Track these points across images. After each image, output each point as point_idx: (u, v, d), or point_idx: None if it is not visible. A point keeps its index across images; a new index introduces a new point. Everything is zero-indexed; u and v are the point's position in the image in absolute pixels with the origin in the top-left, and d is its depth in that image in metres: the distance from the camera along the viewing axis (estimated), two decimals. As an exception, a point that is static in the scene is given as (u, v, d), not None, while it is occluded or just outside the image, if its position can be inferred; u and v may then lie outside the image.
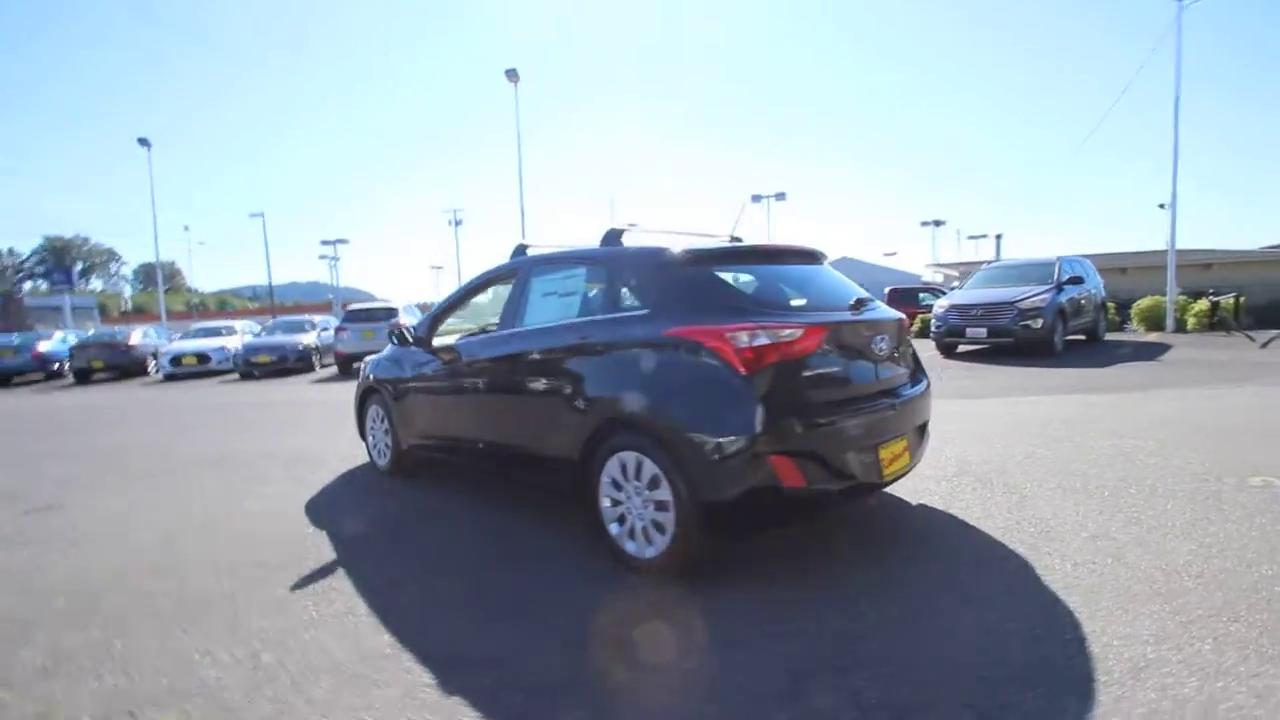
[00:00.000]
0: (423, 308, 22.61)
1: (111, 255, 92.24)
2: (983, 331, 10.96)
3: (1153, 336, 14.23)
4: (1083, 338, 12.43)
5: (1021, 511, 3.40)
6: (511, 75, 24.25)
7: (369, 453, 5.06)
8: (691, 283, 2.93)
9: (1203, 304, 14.74)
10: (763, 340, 2.63)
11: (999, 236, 40.36)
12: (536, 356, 3.38)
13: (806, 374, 2.71)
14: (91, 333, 20.93)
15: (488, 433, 3.78)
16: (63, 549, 3.59)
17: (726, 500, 2.59)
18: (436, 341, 4.38)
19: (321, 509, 4.11)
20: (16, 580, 3.17)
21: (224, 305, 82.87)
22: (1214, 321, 14.33)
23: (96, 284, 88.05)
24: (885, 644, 2.21)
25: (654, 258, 3.08)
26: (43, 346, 17.50)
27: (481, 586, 2.87)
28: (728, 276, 3.05)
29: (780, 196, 36.42)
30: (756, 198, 35.98)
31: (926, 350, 10.62)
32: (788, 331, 2.68)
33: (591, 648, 2.32)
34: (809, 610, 2.46)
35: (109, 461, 5.97)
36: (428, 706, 2.00)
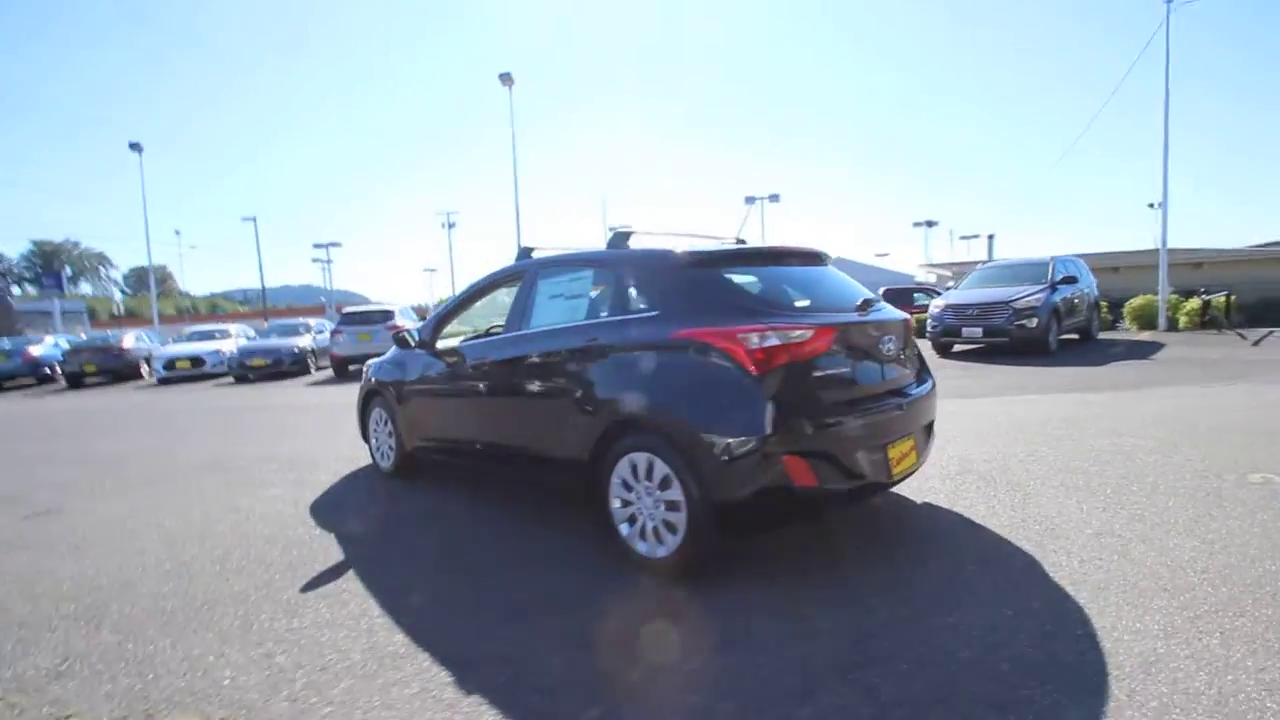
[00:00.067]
0: (418, 310, 22.57)
1: (101, 260, 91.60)
2: (978, 331, 11.03)
3: (1145, 335, 14.35)
4: (1076, 337, 12.53)
5: (1026, 509, 3.44)
6: (506, 79, 24.25)
7: (372, 455, 5.05)
8: (701, 284, 2.95)
9: (1194, 303, 14.88)
10: (773, 341, 2.65)
11: (991, 237, 40.62)
12: (545, 358, 3.39)
13: (817, 374, 2.74)
14: (84, 337, 20.77)
15: (495, 434, 3.78)
16: (66, 553, 3.57)
17: (739, 500, 2.60)
18: (441, 344, 4.38)
19: (325, 511, 4.11)
20: (22, 584, 3.15)
21: (215, 309, 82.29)
22: (1205, 320, 14.46)
23: (86, 288, 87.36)
24: (898, 641, 2.23)
25: (663, 260, 3.10)
26: (34, 351, 17.37)
27: (491, 588, 2.88)
28: (736, 278, 3.07)
29: (774, 198, 36.54)
30: (750, 199, 36.08)
31: (922, 350, 10.66)
32: (798, 333, 2.70)
33: (605, 647, 2.33)
34: (821, 609, 2.48)
35: (106, 466, 5.93)
36: (447, 705, 2.01)
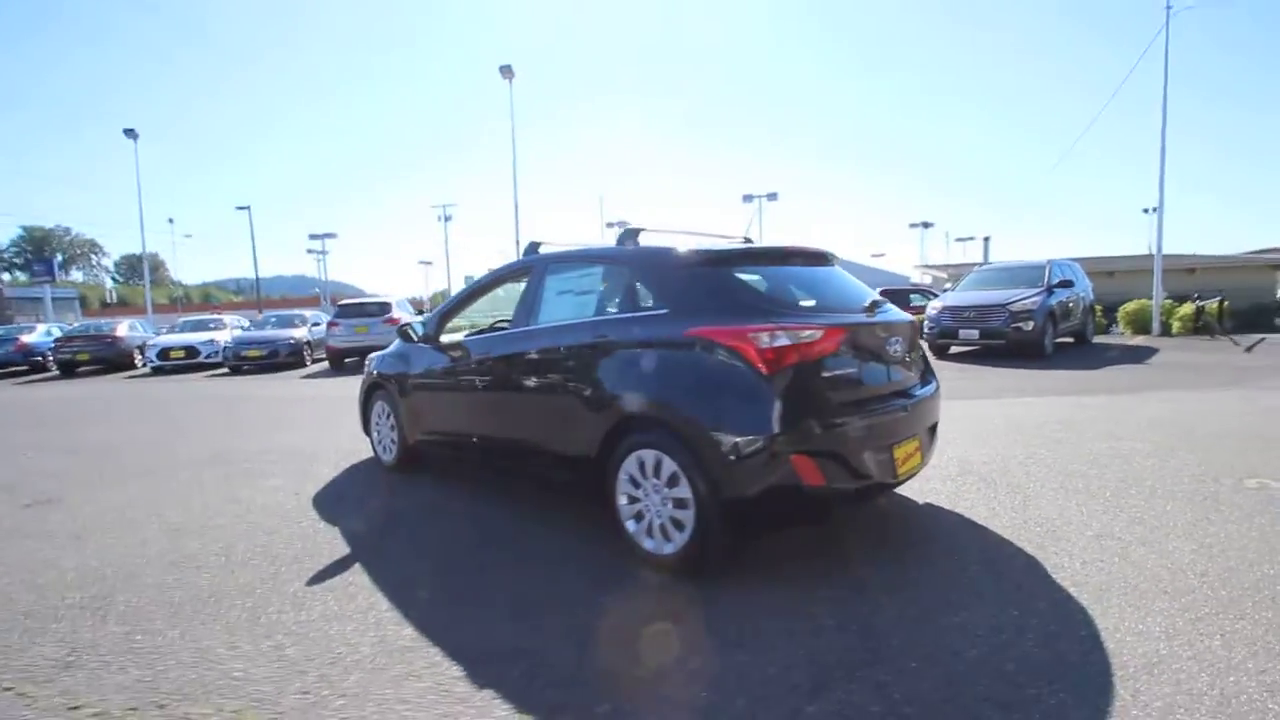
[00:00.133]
0: (414, 303, 22.50)
1: (93, 247, 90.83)
2: (975, 333, 11.10)
3: (1139, 340, 14.47)
4: (1071, 340, 12.61)
5: (1026, 511, 3.47)
6: (506, 71, 24.15)
7: (374, 448, 5.05)
8: (711, 283, 2.96)
9: (1188, 308, 15.01)
10: (783, 341, 2.66)
11: (987, 239, 40.71)
12: (553, 354, 3.39)
13: (825, 374, 2.76)
14: (76, 325, 20.63)
15: (500, 429, 3.79)
16: (67, 543, 3.56)
17: (747, 498, 2.62)
18: (445, 338, 4.39)
19: (328, 504, 4.10)
20: (25, 574, 3.14)
21: (208, 298, 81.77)
22: (1199, 325, 14.59)
23: (77, 276, 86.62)
24: (906, 640, 2.26)
25: (673, 258, 3.11)
26: (27, 339, 17.22)
27: (497, 582, 2.89)
28: (746, 277, 3.08)
29: (772, 197, 36.56)
30: (748, 198, 36.09)
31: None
32: (808, 332, 2.72)
33: (614, 644, 2.35)
34: (828, 607, 2.51)
35: (103, 455, 5.91)
36: (460, 699, 2.02)
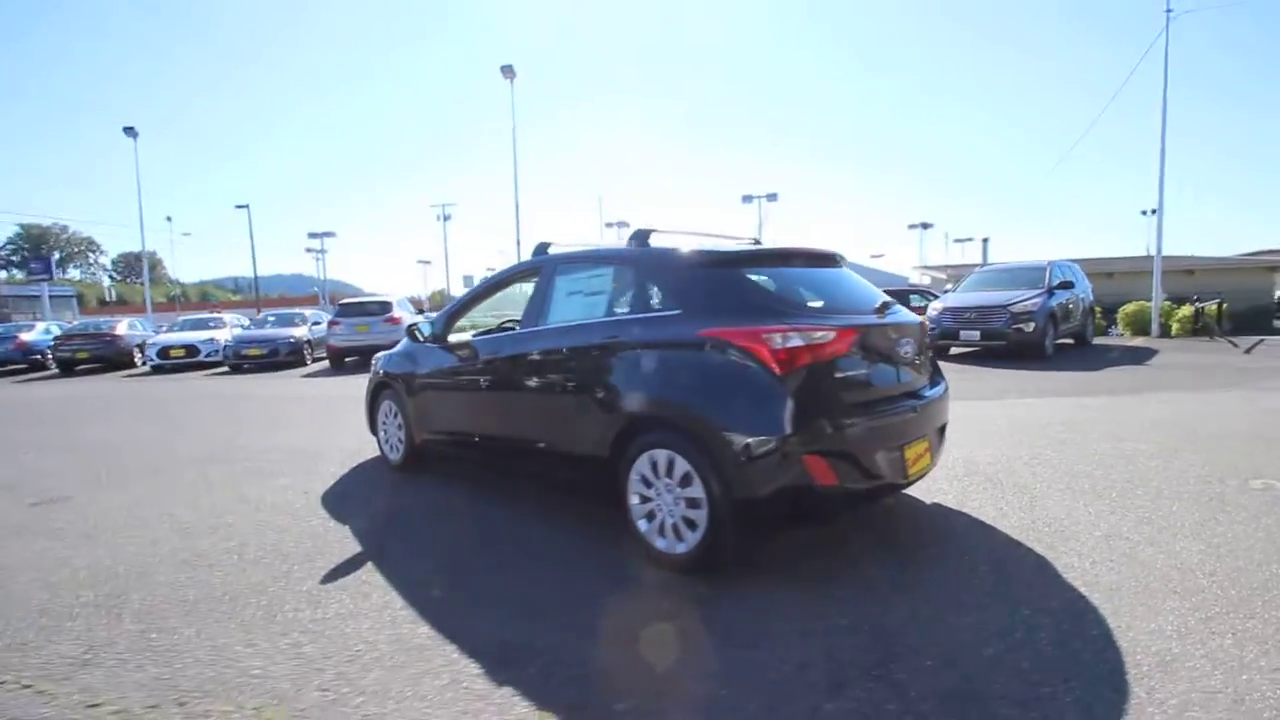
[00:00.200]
0: (414, 302, 22.50)
1: (90, 245, 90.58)
2: (976, 334, 11.13)
3: (1139, 341, 14.51)
4: (1071, 341, 12.64)
5: (1034, 512, 3.49)
6: (507, 71, 24.12)
7: (380, 447, 5.05)
8: (724, 284, 2.98)
9: (1187, 310, 15.06)
10: (796, 342, 2.68)
11: (985, 240, 40.80)
12: (564, 354, 3.41)
13: (838, 375, 2.78)
14: (76, 323, 20.58)
15: (510, 429, 3.80)
16: (78, 542, 3.57)
17: (760, 498, 2.64)
18: (453, 338, 4.40)
19: (336, 503, 4.11)
20: (37, 573, 3.14)
21: (206, 297, 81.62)
22: (1198, 327, 14.64)
23: (74, 274, 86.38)
24: (921, 639, 2.27)
25: (686, 259, 3.13)
26: (26, 337, 17.19)
27: (511, 581, 2.90)
28: (758, 278, 3.10)
29: (772, 197, 36.61)
30: (748, 198, 36.13)
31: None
32: (820, 334, 2.73)
33: (629, 642, 2.36)
34: (841, 606, 2.52)
35: (108, 454, 5.90)
36: (479, 696, 2.03)
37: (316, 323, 16.19)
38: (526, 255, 4.13)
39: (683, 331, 2.92)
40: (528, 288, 3.94)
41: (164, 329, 18.29)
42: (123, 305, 51.49)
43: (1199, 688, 1.95)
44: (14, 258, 78.92)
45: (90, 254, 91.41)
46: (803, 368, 2.68)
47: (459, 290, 46.50)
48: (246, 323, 18.45)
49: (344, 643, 2.38)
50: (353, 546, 3.35)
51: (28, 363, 16.93)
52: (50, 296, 40.01)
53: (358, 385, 10.55)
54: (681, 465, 2.79)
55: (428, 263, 67.60)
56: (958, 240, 50.65)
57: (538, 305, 3.70)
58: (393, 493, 4.36)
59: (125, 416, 8.50)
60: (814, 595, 2.62)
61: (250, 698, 2.07)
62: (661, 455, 2.87)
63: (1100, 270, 20.43)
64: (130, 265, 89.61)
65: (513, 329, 4.08)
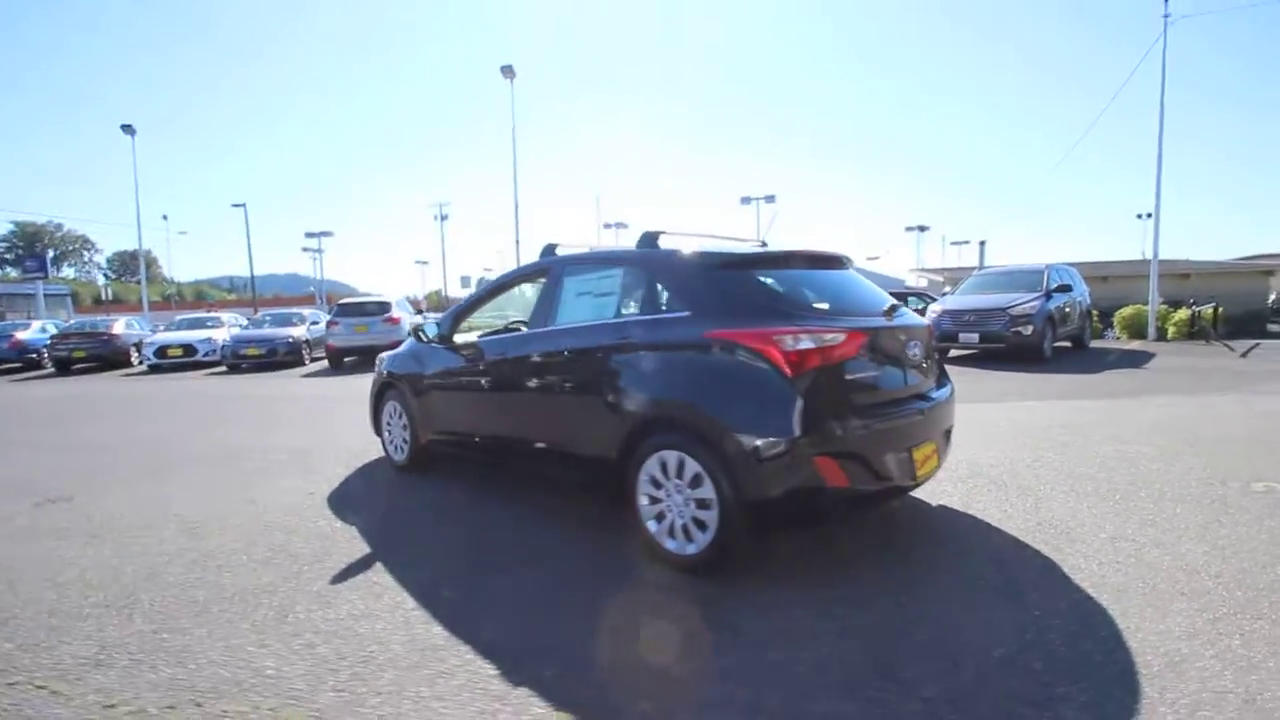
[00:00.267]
0: (413, 302, 22.46)
1: (85, 243, 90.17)
2: (975, 337, 11.17)
3: (1135, 344, 14.59)
4: (1069, 344, 12.70)
5: (1039, 513, 3.52)
6: (507, 72, 24.11)
7: (385, 448, 5.05)
8: (733, 286, 2.99)
9: (1183, 313, 15.16)
10: (807, 344, 2.70)
11: (982, 243, 40.89)
12: (573, 355, 3.41)
13: (848, 377, 2.79)
14: (72, 322, 20.49)
15: (518, 430, 3.80)
16: (84, 542, 3.56)
17: (771, 499, 2.65)
18: (459, 338, 4.40)
19: (343, 504, 4.11)
20: (44, 573, 3.13)
21: (201, 296, 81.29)
22: (1194, 331, 14.73)
23: (69, 272, 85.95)
24: (933, 639, 2.29)
25: (695, 261, 3.14)
26: (21, 335, 17.10)
27: (522, 581, 2.90)
28: (768, 280, 3.11)
29: (770, 199, 36.72)
30: (745, 200, 36.20)
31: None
32: (831, 335, 2.75)
33: (643, 643, 2.37)
34: (854, 607, 2.54)
35: (109, 453, 5.89)
36: (496, 696, 2.04)
37: (315, 323, 16.16)
38: (525, 255, 4.15)
39: (693, 333, 2.93)
40: (532, 289, 3.95)
41: (161, 328, 18.22)
42: (118, 304, 51.24)
43: (1210, 688, 1.97)
44: (8, 255, 78.45)
45: (85, 252, 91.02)
46: (813, 370, 2.69)
47: (456, 290, 46.44)
48: (244, 322, 18.40)
49: (358, 643, 2.39)
50: (361, 547, 3.35)
51: (23, 361, 16.83)
52: (44, 295, 39.78)
53: (357, 385, 10.59)
54: (692, 466, 2.80)
55: (425, 263, 67.58)
56: (954, 243, 50.81)
57: (546, 306, 3.71)
58: (398, 493, 4.36)
59: (124, 416, 8.47)
60: (823, 596, 2.63)
61: (266, 698, 2.07)
62: (671, 456, 2.88)
63: (1096, 274, 20.52)
64: (125, 264, 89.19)
65: (518, 330, 4.09)
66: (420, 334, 4.61)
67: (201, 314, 19.95)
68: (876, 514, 3.50)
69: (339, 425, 6.75)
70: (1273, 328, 19.48)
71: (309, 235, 45.54)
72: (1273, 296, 23.17)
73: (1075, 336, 12.67)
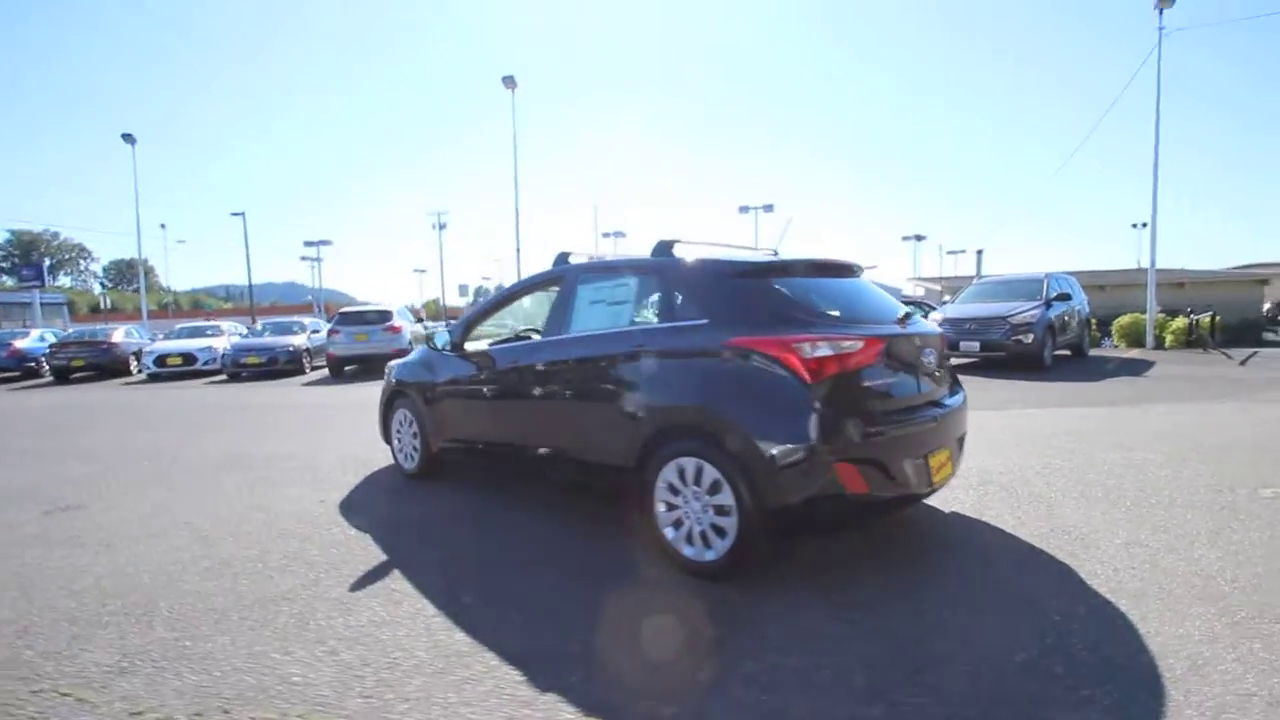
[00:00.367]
0: (413, 310, 22.47)
1: (81, 252, 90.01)
2: (975, 345, 11.23)
3: (1134, 353, 14.68)
4: (1069, 353, 12.78)
5: (1052, 520, 3.54)
6: (509, 82, 24.24)
7: (394, 456, 5.05)
8: (751, 294, 3.02)
9: (1181, 322, 15.27)
10: (825, 351, 2.72)
11: (979, 252, 41.05)
12: (589, 363, 3.43)
13: (865, 384, 2.82)
14: (71, 331, 20.43)
15: (533, 437, 3.81)
16: (98, 550, 3.55)
17: (791, 506, 2.67)
18: (470, 346, 4.42)
19: (355, 511, 4.11)
20: (59, 581, 3.13)
21: (198, 304, 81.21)
22: (1191, 339, 14.83)
23: (65, 281, 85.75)
24: (954, 645, 2.30)
25: (712, 269, 3.17)
26: (20, 344, 17.04)
27: (540, 587, 2.91)
28: (784, 288, 3.14)
29: (768, 208, 36.84)
30: (744, 209, 36.35)
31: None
32: (848, 343, 2.78)
33: (667, 648, 2.38)
34: (874, 613, 2.55)
35: (116, 462, 5.87)
36: (524, 702, 2.04)
37: (315, 331, 16.16)
38: (526, 265, 4.17)
39: (711, 340, 2.95)
40: (544, 298, 3.97)
41: (160, 337, 18.19)
42: (115, 313, 51.10)
43: (1233, 690, 1.99)
44: (4, 264, 78.27)
45: (81, 261, 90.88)
46: (832, 377, 2.72)
47: (454, 299, 46.42)
48: (244, 331, 18.38)
49: (381, 650, 2.39)
50: (377, 554, 3.35)
51: (22, 370, 16.78)
52: (40, 304, 39.67)
53: (358, 394, 10.59)
54: (710, 473, 2.82)
55: (423, 271, 67.50)
56: (951, 252, 50.97)
57: (560, 314, 3.73)
58: (409, 500, 4.36)
59: (126, 425, 8.44)
60: (842, 602, 2.65)
61: (294, 705, 2.07)
62: (690, 463, 2.90)
63: (1092, 283, 20.60)
64: (121, 272, 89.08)
65: (530, 338, 4.11)
66: (431, 342, 4.63)
67: (201, 323, 19.89)
68: (891, 521, 3.52)
69: (343, 433, 6.75)
70: (1268, 335, 19.60)
71: (307, 244, 45.51)
72: (1267, 305, 23.31)
73: (1075, 345, 12.75)
